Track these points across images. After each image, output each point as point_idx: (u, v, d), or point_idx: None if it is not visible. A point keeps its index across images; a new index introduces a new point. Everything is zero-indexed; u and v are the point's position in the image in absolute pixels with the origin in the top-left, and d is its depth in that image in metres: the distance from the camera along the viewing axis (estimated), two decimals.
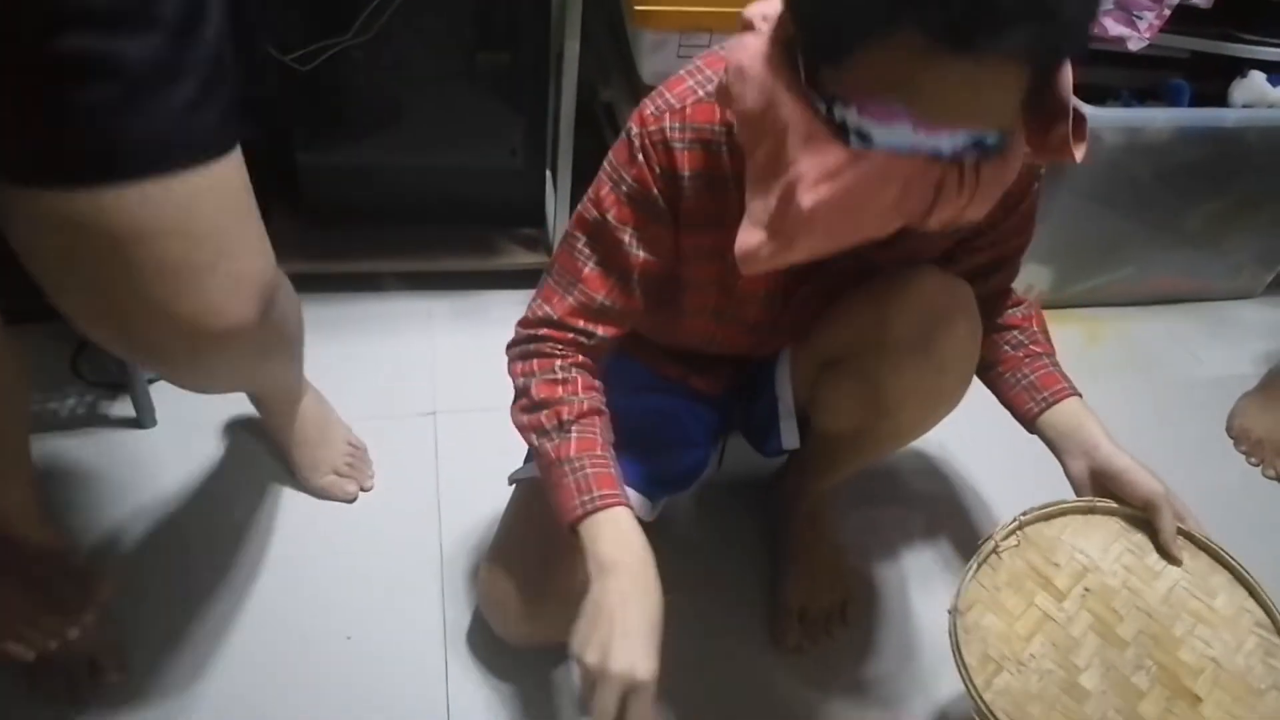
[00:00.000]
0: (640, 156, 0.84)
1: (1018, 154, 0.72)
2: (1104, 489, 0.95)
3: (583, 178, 1.43)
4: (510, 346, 0.94)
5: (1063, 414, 0.98)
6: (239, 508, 1.22)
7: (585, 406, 0.87)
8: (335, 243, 1.54)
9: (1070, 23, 0.62)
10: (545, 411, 0.87)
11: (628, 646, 0.78)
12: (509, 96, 1.46)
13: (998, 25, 0.60)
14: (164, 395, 1.33)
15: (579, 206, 0.90)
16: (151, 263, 0.72)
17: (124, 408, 1.31)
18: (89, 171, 0.68)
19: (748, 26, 0.74)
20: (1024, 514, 0.91)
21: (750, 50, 0.71)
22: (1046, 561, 0.90)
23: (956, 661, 0.82)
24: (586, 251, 0.88)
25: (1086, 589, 0.90)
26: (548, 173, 1.58)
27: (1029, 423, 1.00)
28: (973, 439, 1.21)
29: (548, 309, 0.90)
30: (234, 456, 1.28)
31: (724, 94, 0.74)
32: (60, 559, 1.04)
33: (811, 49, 0.68)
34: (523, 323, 0.93)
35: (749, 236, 0.74)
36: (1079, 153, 0.72)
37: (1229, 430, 1.51)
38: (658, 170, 0.84)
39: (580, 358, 0.90)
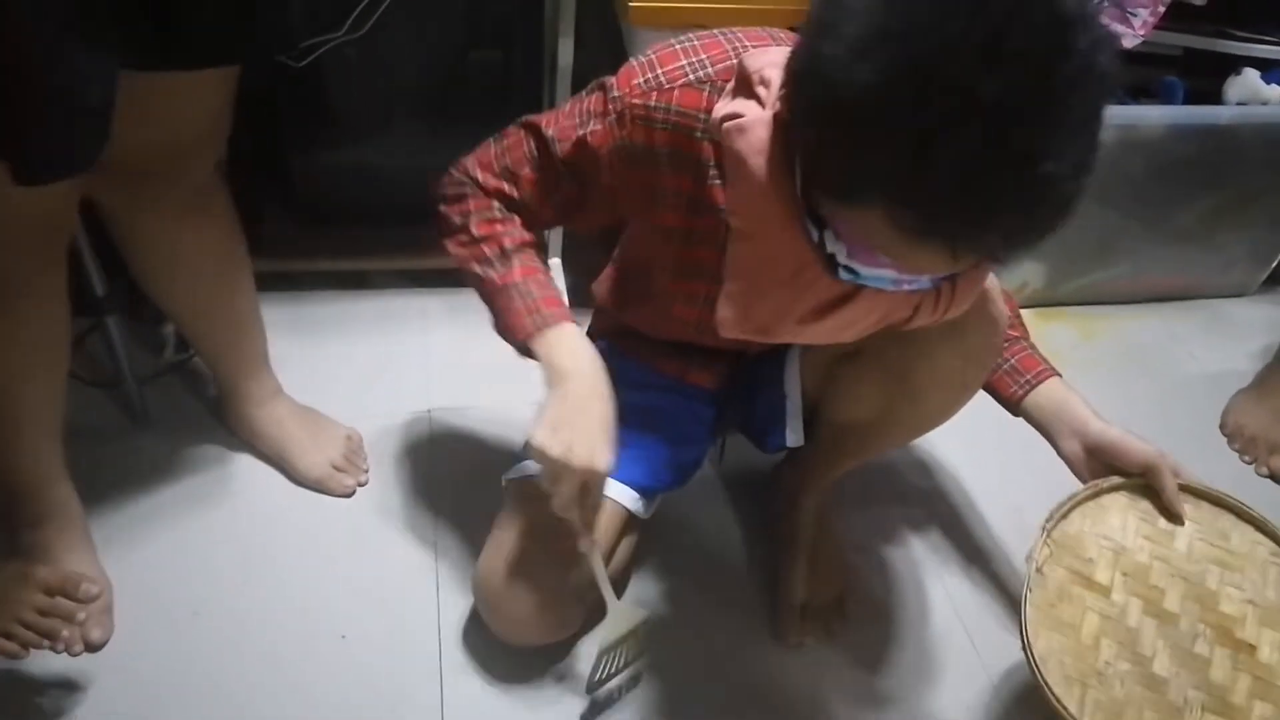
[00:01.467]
0: (612, 123, 0.85)
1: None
2: (1099, 463, 0.97)
3: None
4: (439, 186, 0.98)
5: (1047, 395, 0.99)
6: (232, 507, 1.21)
7: (526, 237, 0.93)
8: (328, 241, 1.53)
9: (1023, 233, 0.64)
10: (486, 243, 0.92)
11: (587, 442, 0.86)
12: (502, 95, 1.46)
13: (954, 238, 0.62)
14: (157, 395, 1.33)
15: (549, 112, 0.92)
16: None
17: (117, 407, 1.30)
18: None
19: (744, 83, 0.74)
20: (1047, 521, 0.93)
21: (753, 140, 0.72)
22: (1081, 560, 0.93)
23: (1051, 698, 0.84)
24: (534, 156, 0.91)
25: (1124, 574, 0.93)
26: None
27: (1013, 405, 1.01)
28: (969, 434, 1.21)
29: (478, 174, 0.94)
30: (227, 456, 1.27)
31: (715, 128, 0.76)
32: (58, 554, 1.06)
33: (808, 176, 0.70)
34: (455, 167, 0.97)
35: (728, 312, 0.81)
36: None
37: (1223, 427, 1.52)
38: (624, 144, 0.85)
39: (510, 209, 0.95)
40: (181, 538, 1.17)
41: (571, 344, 0.90)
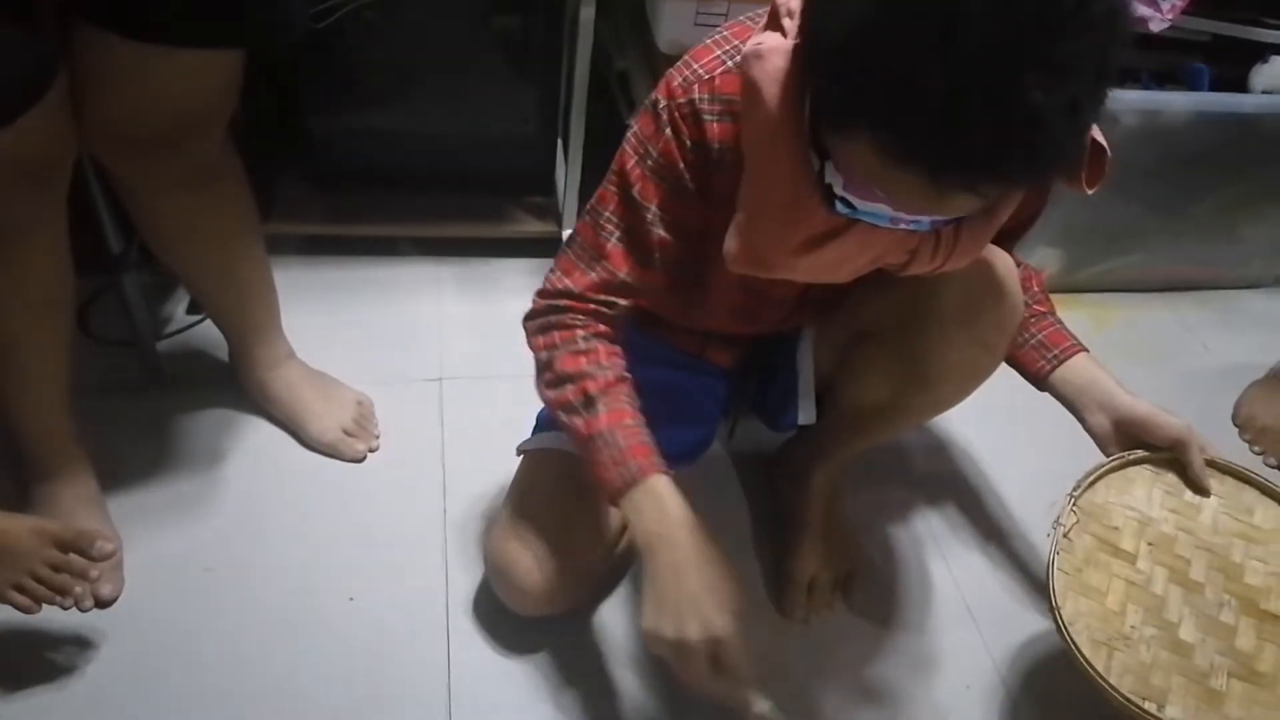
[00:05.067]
0: (668, 130, 0.82)
1: (1007, 207, 0.75)
2: (1127, 437, 0.98)
3: (595, 147, 1.43)
4: (528, 318, 0.93)
5: (1075, 370, 0.99)
6: (245, 468, 1.22)
7: (610, 376, 0.87)
8: (344, 206, 1.53)
9: (1007, 167, 0.61)
10: (571, 386, 0.87)
11: (696, 612, 0.81)
12: (523, 62, 1.45)
13: (935, 166, 0.60)
14: (173, 354, 1.33)
15: (605, 180, 0.88)
16: None
17: (132, 366, 1.31)
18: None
19: (773, 16, 0.74)
20: (1074, 489, 0.95)
21: (769, 68, 0.71)
22: (1107, 528, 0.95)
23: (1081, 661, 0.85)
24: (609, 227, 0.87)
25: (1149, 543, 0.95)
26: (559, 141, 1.57)
27: (1040, 380, 1.01)
28: (975, 416, 1.22)
29: (568, 282, 0.89)
30: (241, 417, 1.28)
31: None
32: (68, 509, 1.07)
33: (815, 103, 0.70)
34: (541, 293, 0.92)
35: (733, 244, 0.79)
36: (1091, 188, 0.74)
37: (1234, 418, 1.51)
38: (688, 144, 0.82)
39: (601, 326, 0.90)
40: (194, 496, 1.18)
41: (659, 504, 0.84)
